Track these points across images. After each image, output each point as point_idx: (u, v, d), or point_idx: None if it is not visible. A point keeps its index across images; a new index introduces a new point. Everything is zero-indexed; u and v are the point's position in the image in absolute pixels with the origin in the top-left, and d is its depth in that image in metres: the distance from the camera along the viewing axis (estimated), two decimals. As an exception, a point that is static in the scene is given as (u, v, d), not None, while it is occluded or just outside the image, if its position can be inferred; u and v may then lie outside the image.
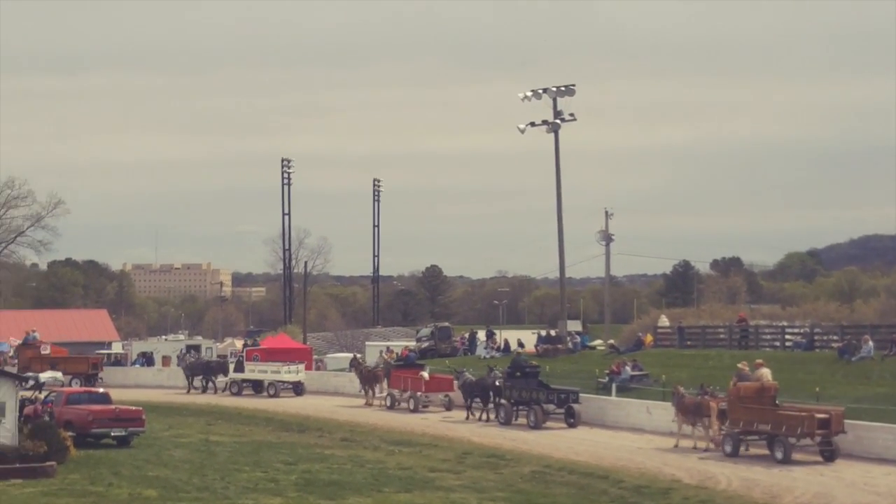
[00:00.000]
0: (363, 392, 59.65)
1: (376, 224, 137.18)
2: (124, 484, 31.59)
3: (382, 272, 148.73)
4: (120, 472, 33.76)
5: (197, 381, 68.09)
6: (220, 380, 67.53)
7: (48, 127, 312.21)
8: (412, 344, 79.86)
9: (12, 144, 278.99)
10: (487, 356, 68.42)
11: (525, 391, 48.57)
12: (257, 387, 65.61)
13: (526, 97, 72.58)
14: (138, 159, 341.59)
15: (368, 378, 59.63)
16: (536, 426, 46.65)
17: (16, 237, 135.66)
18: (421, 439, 43.20)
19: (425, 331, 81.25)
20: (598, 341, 75.68)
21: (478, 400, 51.22)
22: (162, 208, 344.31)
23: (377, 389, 58.99)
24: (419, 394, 54.89)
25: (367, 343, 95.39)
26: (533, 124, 73.22)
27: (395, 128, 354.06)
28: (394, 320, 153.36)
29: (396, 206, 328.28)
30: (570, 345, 69.13)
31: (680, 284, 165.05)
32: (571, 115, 72.86)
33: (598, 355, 66.00)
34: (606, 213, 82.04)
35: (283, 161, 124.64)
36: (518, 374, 49.88)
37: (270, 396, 63.54)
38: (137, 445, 40.35)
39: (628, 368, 54.53)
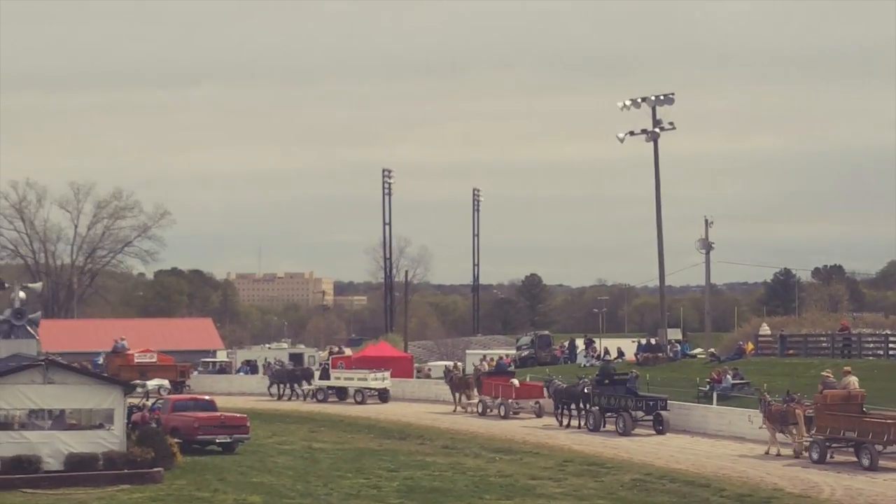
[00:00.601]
0: (454, 399, 60.38)
1: (476, 233, 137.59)
2: (230, 490, 32.18)
3: (482, 281, 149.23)
4: (225, 478, 34.37)
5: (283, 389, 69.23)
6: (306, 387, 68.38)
7: (155, 139, 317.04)
8: (511, 352, 79.99)
9: (120, 156, 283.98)
10: (587, 364, 68.33)
11: (613, 398, 49.04)
12: (341, 394, 66.32)
13: (625, 106, 72.50)
14: (242, 170, 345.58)
15: (459, 385, 60.32)
16: (625, 433, 46.98)
17: (123, 247, 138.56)
18: (521, 447, 43.36)
19: (525, 339, 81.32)
20: (698, 350, 75.15)
21: (570, 406, 51.64)
22: (265, 218, 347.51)
23: (468, 396, 59.50)
24: (510, 401, 55.46)
25: (467, 351, 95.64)
26: (632, 133, 73.12)
27: (494, 137, 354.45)
28: (493, 329, 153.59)
29: (496, 215, 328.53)
30: (670, 353, 68.83)
31: (781, 293, 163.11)
32: (671, 123, 72.69)
33: (699, 364, 65.59)
34: (706, 220, 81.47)
35: (383, 171, 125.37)
36: (606, 381, 50.38)
37: (357, 403, 64.23)
38: (242, 452, 40.98)
39: (729, 377, 54.19)
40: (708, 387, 53.49)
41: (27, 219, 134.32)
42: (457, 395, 60.17)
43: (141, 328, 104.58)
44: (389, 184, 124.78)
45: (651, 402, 48.16)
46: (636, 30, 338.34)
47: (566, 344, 76.88)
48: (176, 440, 38.02)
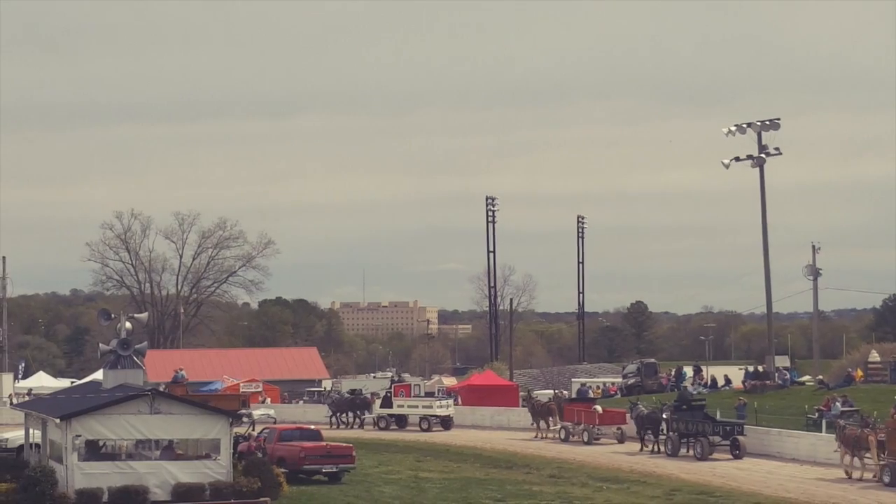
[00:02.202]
0: (534, 425, 61.28)
1: (581, 261, 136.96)
2: (335, 520, 32.10)
3: (587, 308, 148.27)
4: (331, 508, 34.31)
5: (345, 417, 69.70)
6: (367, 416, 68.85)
7: (258, 169, 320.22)
8: (617, 380, 79.27)
9: (224, 186, 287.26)
10: (695, 392, 67.50)
11: (691, 423, 50.08)
12: (401, 421, 66.90)
13: (730, 132, 71.64)
14: (345, 199, 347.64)
15: (541, 412, 61.12)
16: (702, 457, 47.85)
17: (228, 277, 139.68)
18: (629, 476, 42.82)
19: (631, 367, 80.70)
20: (806, 377, 74.01)
21: (652, 432, 52.48)
22: (369, 247, 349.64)
23: (549, 423, 60.35)
24: (593, 427, 56.45)
25: (572, 379, 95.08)
26: (738, 159, 72.18)
27: (597, 165, 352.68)
28: (599, 356, 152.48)
29: (600, 242, 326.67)
30: (778, 380, 67.79)
31: (890, 319, 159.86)
32: (776, 149, 71.67)
33: (808, 391, 64.55)
34: (814, 247, 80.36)
35: (487, 199, 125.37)
36: (684, 407, 51.63)
37: (423, 430, 64.78)
38: (348, 482, 40.91)
39: (838, 404, 53.18)
40: (817, 415, 52.60)
41: (132, 249, 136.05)
42: (538, 421, 60.97)
43: (246, 358, 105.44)
44: (493, 212, 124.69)
45: (728, 428, 49.35)
46: (737, 55, 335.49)
47: (673, 372, 76.04)
48: (282, 470, 38.05)
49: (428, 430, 65.11)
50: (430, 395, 72.29)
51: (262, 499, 33.95)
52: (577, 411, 58.46)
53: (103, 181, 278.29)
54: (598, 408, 58.32)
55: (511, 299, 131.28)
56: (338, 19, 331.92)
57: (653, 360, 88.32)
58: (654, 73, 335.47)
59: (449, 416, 66.87)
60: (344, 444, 43.50)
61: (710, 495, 36.95)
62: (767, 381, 67.56)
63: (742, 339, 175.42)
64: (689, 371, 75.05)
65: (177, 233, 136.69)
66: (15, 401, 73.72)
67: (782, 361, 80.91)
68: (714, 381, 71.94)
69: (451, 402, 68.95)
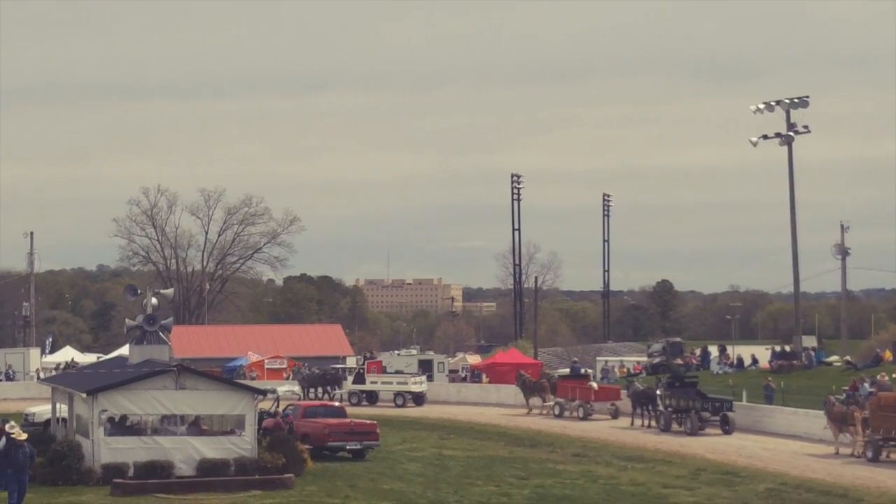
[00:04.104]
0: (526, 401, 62.88)
1: (606, 239, 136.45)
2: (360, 496, 32.10)
3: (612, 287, 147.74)
4: (356, 484, 34.31)
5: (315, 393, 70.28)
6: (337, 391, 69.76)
7: (283, 145, 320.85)
8: (643, 359, 79.11)
9: (249, 163, 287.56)
10: (721, 372, 67.27)
11: (682, 400, 51.73)
12: (371, 397, 67.90)
13: (758, 109, 71.25)
14: (370, 176, 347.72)
15: (532, 388, 62.77)
16: (692, 433, 49.63)
17: (253, 253, 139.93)
18: (653, 455, 42.71)
19: (657, 346, 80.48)
20: (834, 357, 73.61)
21: (648, 408, 54.17)
22: (393, 224, 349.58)
23: (543, 399, 61.88)
24: (588, 403, 58.20)
25: (597, 358, 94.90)
26: (765, 137, 71.80)
27: (623, 143, 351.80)
28: (624, 335, 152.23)
29: (626, 220, 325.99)
30: (805, 361, 67.49)
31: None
32: (805, 126, 71.26)
33: (835, 371, 64.22)
34: (842, 226, 79.96)
35: (512, 176, 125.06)
36: (677, 384, 53.20)
37: (398, 406, 65.85)
38: (372, 458, 40.97)
39: (866, 385, 52.92)
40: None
41: (158, 225, 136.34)
42: (530, 398, 62.65)
43: (271, 334, 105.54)
44: (519, 189, 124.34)
45: (717, 404, 50.92)
46: (765, 32, 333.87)
47: (698, 351, 75.80)
48: (306, 446, 38.12)
49: (402, 406, 66.39)
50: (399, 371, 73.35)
51: (286, 475, 34.00)
52: (571, 388, 59.97)
53: (130, 157, 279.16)
54: (594, 384, 60.64)
55: (536, 277, 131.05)
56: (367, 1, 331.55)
57: (678, 339, 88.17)
58: (680, 50, 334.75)
59: (422, 392, 68.53)
60: (368, 422, 43.54)
61: (735, 475, 36.81)
62: (794, 361, 67.32)
63: (769, 319, 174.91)
64: (714, 350, 74.76)
65: (203, 209, 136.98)
66: (42, 375, 74.11)
67: (809, 341, 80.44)
68: (740, 360, 71.63)
69: (423, 378, 70.66)
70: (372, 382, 69.45)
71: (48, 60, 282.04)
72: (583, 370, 67.75)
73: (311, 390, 70.55)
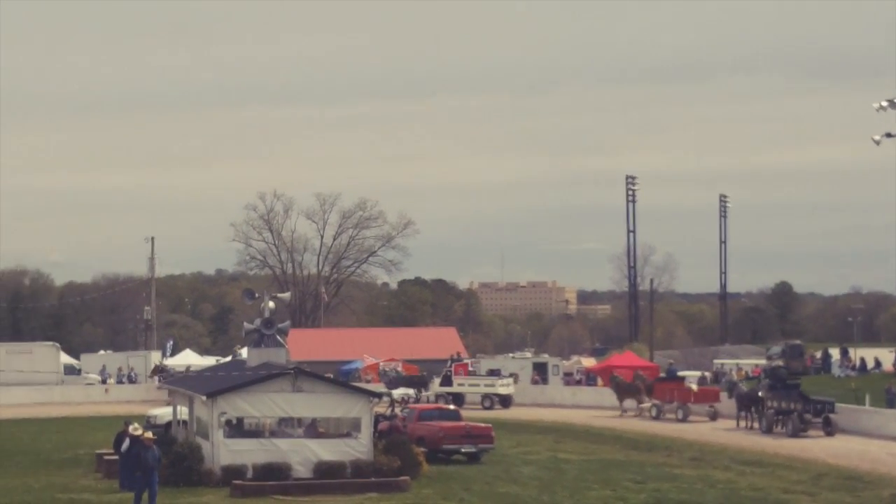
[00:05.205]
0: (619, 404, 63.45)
1: (723, 240, 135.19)
2: (475, 500, 32.07)
3: (730, 289, 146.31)
4: (471, 487, 34.26)
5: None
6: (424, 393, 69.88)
7: (397, 149, 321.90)
8: (761, 362, 78.00)
9: (363, 167, 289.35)
10: (842, 375, 66.19)
11: (784, 402, 52.08)
12: (458, 400, 67.27)
13: (881, 107, 69.89)
14: (484, 179, 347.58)
15: (627, 390, 63.20)
16: (793, 434, 49.80)
17: (368, 257, 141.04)
18: (772, 459, 42.10)
19: (776, 349, 78.95)
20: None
21: (752, 409, 54.59)
22: (507, 227, 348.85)
23: (638, 401, 62.39)
24: (688, 404, 58.81)
25: (714, 361, 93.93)
26: (889, 135, 70.39)
27: (739, 143, 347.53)
28: (742, 338, 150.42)
29: (743, 221, 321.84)
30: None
31: None
32: (931, 125, 69.68)
33: (962, 374, 62.90)
34: (969, 225, 78.14)
35: (627, 178, 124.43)
36: (778, 386, 53.39)
37: (485, 409, 66.03)
38: (487, 462, 40.90)
39: None
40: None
41: (275, 230, 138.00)
42: (624, 400, 63.16)
43: (386, 337, 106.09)
44: (633, 191, 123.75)
45: (819, 406, 51.24)
46: (888, 28, 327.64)
47: (818, 354, 74.62)
48: (422, 449, 38.17)
49: (490, 408, 66.81)
50: (493, 373, 74.09)
51: (402, 477, 34.08)
52: (669, 389, 60.65)
53: (247, 162, 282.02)
54: (694, 386, 61.43)
55: (651, 279, 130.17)
56: (474, 2, 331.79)
57: (798, 341, 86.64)
58: (798, 47, 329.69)
59: (509, 394, 69.21)
60: (483, 425, 43.48)
61: (858, 480, 36.12)
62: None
63: (893, 321, 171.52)
64: (835, 353, 73.57)
65: (318, 213, 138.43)
66: (158, 378, 75.27)
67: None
68: (863, 363, 70.44)
69: (511, 380, 71.37)
70: (459, 385, 69.85)
71: (166, 66, 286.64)
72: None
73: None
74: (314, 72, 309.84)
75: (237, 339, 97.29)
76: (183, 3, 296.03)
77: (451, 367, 71.95)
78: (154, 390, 72.71)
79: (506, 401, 68.62)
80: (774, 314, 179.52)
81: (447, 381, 70.39)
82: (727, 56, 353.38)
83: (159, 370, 76.30)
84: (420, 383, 71.12)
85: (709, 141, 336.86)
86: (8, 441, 48.81)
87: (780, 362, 73.60)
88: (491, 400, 68.28)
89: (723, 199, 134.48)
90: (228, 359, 74.34)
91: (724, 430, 53.20)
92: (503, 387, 69.48)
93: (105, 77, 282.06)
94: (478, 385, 69.92)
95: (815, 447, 46.15)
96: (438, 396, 68.64)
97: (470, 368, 76.77)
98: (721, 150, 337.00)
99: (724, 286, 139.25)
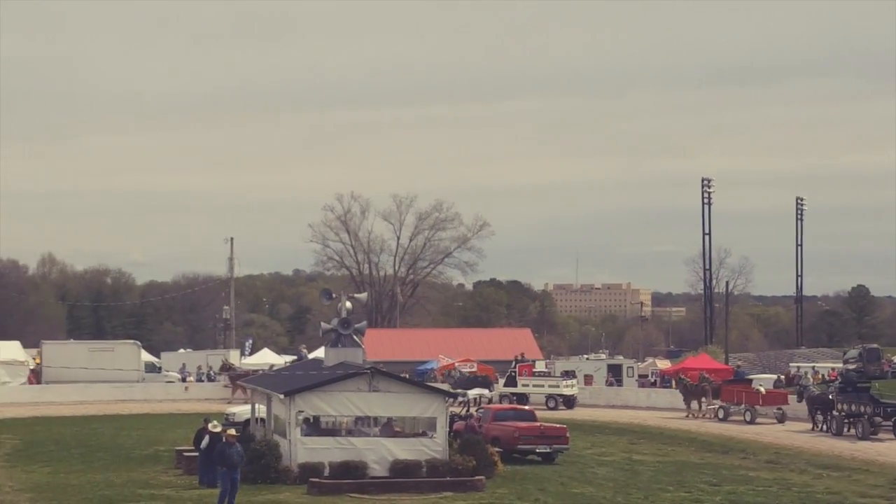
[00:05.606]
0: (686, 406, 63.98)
1: (799, 243, 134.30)
2: (550, 500, 32.22)
3: (806, 292, 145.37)
4: (546, 488, 34.43)
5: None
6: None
7: (473, 151, 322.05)
8: (837, 366, 77.60)
9: (439, 169, 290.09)
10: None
11: (854, 404, 51.86)
12: (522, 400, 67.42)
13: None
14: (559, 181, 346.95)
15: (693, 392, 63.72)
16: (863, 437, 49.80)
17: (444, 258, 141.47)
18: (850, 463, 41.89)
19: (853, 352, 78.89)
20: None
21: (822, 412, 54.62)
22: (582, 229, 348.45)
23: (705, 403, 62.95)
24: (755, 406, 58.93)
25: (790, 364, 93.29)
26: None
27: (815, 145, 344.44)
28: (818, 341, 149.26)
29: (820, 224, 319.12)
30: None
31: None
32: None
33: None
34: None
35: (703, 181, 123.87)
36: (849, 389, 53.35)
37: (549, 409, 65.75)
38: (561, 462, 41.03)
39: None
40: None
41: (352, 231, 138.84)
42: (691, 402, 63.58)
43: (461, 338, 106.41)
44: (709, 193, 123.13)
45: (890, 409, 51.10)
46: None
47: (895, 358, 73.98)
48: (496, 449, 38.41)
49: (554, 408, 67.13)
50: (567, 375, 75.36)
51: (477, 477, 34.32)
52: (737, 392, 60.89)
53: (324, 164, 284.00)
54: (762, 388, 61.43)
55: (727, 282, 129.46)
56: (551, 3, 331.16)
57: (875, 345, 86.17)
58: (874, 49, 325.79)
59: (573, 395, 69.68)
60: (558, 426, 43.62)
61: (936, 485, 35.89)
62: None
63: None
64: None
65: (394, 214, 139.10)
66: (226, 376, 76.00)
67: None
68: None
69: (575, 381, 72.22)
70: (523, 385, 70.22)
71: (245, 69, 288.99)
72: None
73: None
74: (390, 74, 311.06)
75: (315, 338, 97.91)
76: (259, 6, 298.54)
77: (515, 367, 72.31)
78: (225, 389, 73.60)
79: (569, 401, 68.99)
80: (851, 317, 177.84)
81: (511, 381, 70.79)
82: (803, 58, 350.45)
83: (226, 368, 77.07)
84: (484, 384, 71.39)
85: (785, 143, 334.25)
86: (90, 437, 49.64)
87: (857, 366, 73.57)
88: (555, 400, 68.65)
89: (799, 202, 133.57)
90: (294, 358, 75.16)
91: (796, 433, 53.20)
92: (567, 388, 69.88)
93: (186, 79, 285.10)
94: (542, 386, 70.22)
95: (892, 451, 45.84)
96: (503, 397, 68.99)
97: (544, 370, 77.01)
98: (797, 153, 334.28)
99: (800, 289, 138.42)
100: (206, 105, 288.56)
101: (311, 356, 67.04)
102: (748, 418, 58.62)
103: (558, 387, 69.87)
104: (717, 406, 61.41)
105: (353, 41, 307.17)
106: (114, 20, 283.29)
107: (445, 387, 66.97)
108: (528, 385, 70.24)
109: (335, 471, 34.10)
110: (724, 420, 59.88)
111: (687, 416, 62.46)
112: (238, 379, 70.33)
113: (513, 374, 71.52)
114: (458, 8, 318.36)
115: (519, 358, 75.64)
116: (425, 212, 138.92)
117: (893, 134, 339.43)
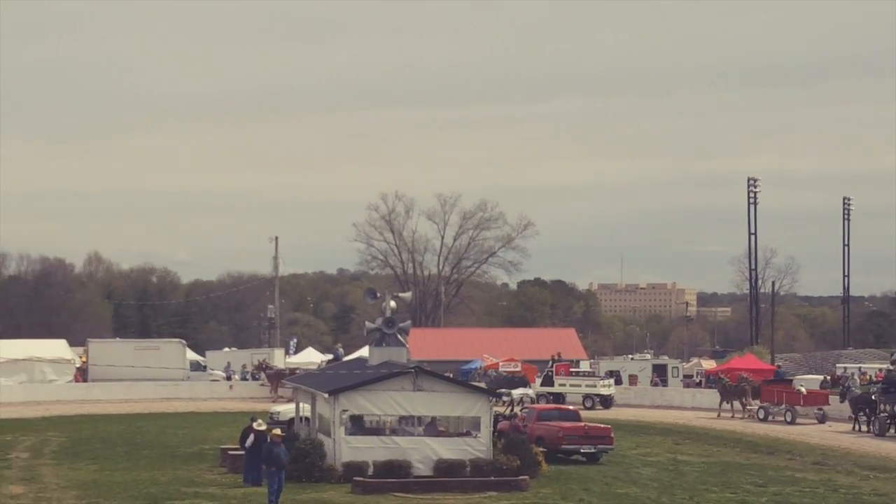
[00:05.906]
0: (726, 405, 63.83)
1: (846, 243, 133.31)
2: (594, 500, 32.16)
3: (853, 292, 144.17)
4: (590, 488, 34.36)
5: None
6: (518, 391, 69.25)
7: (518, 150, 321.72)
8: (885, 366, 76.90)
9: (484, 168, 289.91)
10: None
11: None
12: (558, 399, 67.34)
13: None
14: (603, 181, 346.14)
15: (733, 392, 63.52)
16: None
17: (488, 258, 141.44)
18: (897, 465, 41.61)
19: (900, 353, 78.27)
20: None
21: (866, 412, 54.46)
22: (627, 229, 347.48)
23: (745, 403, 62.63)
24: (796, 407, 58.94)
25: (836, 364, 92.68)
26: None
27: (862, 145, 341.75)
28: (865, 342, 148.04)
29: (867, 223, 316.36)
30: None
31: None
32: None
33: None
34: None
35: (748, 180, 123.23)
36: (892, 389, 53.01)
37: (586, 409, 64.95)
38: (606, 462, 40.93)
39: None
40: None
41: (396, 230, 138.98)
42: (728, 402, 63.57)
43: (505, 337, 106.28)
44: (755, 193, 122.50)
45: None
46: None
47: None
48: (541, 449, 38.36)
49: (592, 408, 66.77)
50: (611, 375, 76.40)
51: (521, 477, 34.29)
52: (777, 392, 60.88)
53: (369, 163, 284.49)
54: (803, 388, 61.40)
55: (773, 282, 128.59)
56: (594, 3, 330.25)
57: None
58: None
59: (610, 395, 69.66)
60: (602, 426, 43.51)
61: None
62: None
63: None
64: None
65: (439, 214, 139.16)
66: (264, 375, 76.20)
67: None
68: None
69: (612, 381, 72.27)
70: (560, 384, 70.24)
71: (289, 69, 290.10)
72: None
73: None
74: (434, 74, 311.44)
75: (359, 337, 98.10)
76: (307, 6, 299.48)
77: (552, 367, 72.27)
78: (262, 387, 73.86)
79: (606, 401, 68.96)
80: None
81: (548, 380, 70.77)
82: (848, 58, 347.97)
83: (263, 367, 77.26)
84: (521, 383, 71.18)
85: (832, 143, 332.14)
86: (136, 435, 49.94)
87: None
88: (592, 400, 68.63)
89: (846, 202, 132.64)
90: (330, 357, 75.30)
91: (839, 433, 53.06)
92: (604, 387, 69.88)
93: (232, 79, 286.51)
94: (579, 385, 70.17)
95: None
96: (539, 396, 68.62)
97: (588, 370, 76.89)
98: (844, 153, 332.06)
99: (846, 289, 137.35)
100: (251, 105, 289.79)
101: (353, 355, 67.12)
102: (788, 418, 58.61)
103: (595, 386, 69.83)
104: (757, 406, 61.30)
105: (398, 41, 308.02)
106: (163, 21, 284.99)
107: (481, 386, 67.09)
108: (564, 384, 70.24)
109: (379, 470, 34.14)
110: (764, 420, 59.84)
111: (718, 416, 62.35)
112: (275, 378, 70.65)
113: (550, 373, 71.51)
114: (503, 8, 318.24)
115: (556, 357, 75.57)
116: (469, 211, 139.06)
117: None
